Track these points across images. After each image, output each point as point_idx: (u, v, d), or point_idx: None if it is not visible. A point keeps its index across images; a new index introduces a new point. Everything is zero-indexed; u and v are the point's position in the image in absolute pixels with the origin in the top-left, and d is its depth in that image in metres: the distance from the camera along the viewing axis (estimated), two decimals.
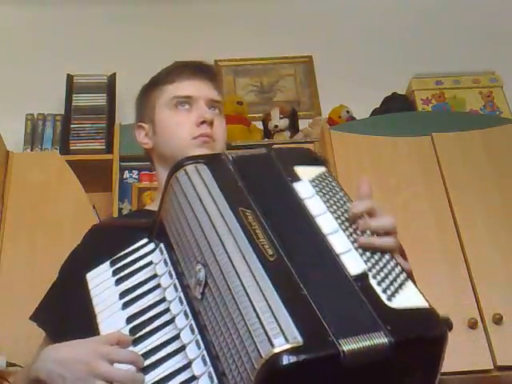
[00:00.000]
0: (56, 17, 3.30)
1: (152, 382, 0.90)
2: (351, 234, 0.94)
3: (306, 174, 1.04)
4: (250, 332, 0.78)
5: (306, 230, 0.95)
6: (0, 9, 3.26)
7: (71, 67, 2.98)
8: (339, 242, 0.92)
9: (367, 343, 0.79)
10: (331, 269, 0.89)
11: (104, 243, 1.22)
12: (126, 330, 0.97)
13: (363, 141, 2.55)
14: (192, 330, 0.91)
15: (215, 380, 0.84)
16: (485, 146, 2.59)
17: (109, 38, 3.24)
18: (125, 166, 2.72)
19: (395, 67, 3.20)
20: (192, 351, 0.89)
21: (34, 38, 3.22)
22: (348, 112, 3.00)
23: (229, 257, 0.87)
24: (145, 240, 1.10)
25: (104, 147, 2.76)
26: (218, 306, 0.85)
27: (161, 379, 0.89)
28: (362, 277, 0.88)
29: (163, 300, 0.99)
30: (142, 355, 0.93)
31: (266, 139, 2.94)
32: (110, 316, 1.01)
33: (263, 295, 0.81)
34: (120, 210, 2.57)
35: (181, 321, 0.94)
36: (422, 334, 0.82)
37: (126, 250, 1.10)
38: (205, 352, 0.88)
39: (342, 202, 1.00)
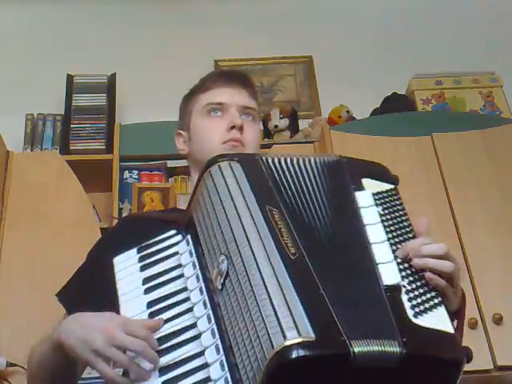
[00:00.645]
0: (56, 17, 3.30)
1: (166, 365, 0.92)
2: (397, 249, 0.99)
3: (372, 186, 1.10)
4: (264, 323, 0.81)
5: (350, 236, 0.99)
6: (0, 9, 3.26)
7: (71, 67, 2.98)
8: (383, 252, 0.97)
9: (378, 348, 0.81)
10: (363, 275, 0.93)
11: (134, 232, 1.25)
12: (145, 314, 1.01)
13: (363, 141, 2.55)
14: (209, 320, 0.94)
15: (226, 369, 0.87)
16: (485, 146, 2.59)
17: (109, 38, 3.24)
18: (125, 166, 2.72)
19: (395, 67, 3.20)
20: (207, 339, 0.92)
21: (34, 38, 3.22)
22: (348, 112, 3.00)
23: (252, 250, 0.90)
24: (173, 231, 1.13)
25: (104, 147, 2.77)
26: (237, 297, 0.89)
27: (174, 363, 0.92)
28: (394, 288, 0.92)
29: (184, 289, 1.02)
30: (159, 339, 0.96)
31: (266, 139, 2.94)
32: (132, 299, 1.04)
33: (281, 290, 0.84)
34: (120, 209, 2.58)
35: (199, 309, 0.97)
36: (437, 354, 0.85)
37: (154, 239, 1.13)
38: (219, 341, 0.91)
39: (399, 219, 1.05)
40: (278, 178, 1.06)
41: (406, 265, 0.97)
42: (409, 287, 0.93)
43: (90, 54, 3.15)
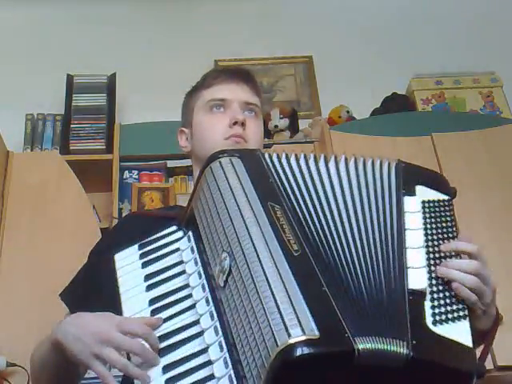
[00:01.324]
0: (56, 17, 3.30)
1: (168, 363, 0.92)
2: (434, 258, 0.99)
3: (425, 194, 1.10)
4: (268, 320, 0.80)
5: (385, 237, 0.99)
6: (0, 9, 3.26)
7: (71, 67, 2.98)
8: (417, 257, 0.98)
9: (382, 346, 0.81)
10: (388, 275, 0.93)
11: (135, 229, 1.25)
12: (147, 312, 1.00)
13: (363, 141, 2.55)
14: (212, 317, 0.94)
15: (230, 366, 0.87)
16: (485, 146, 2.59)
17: (109, 38, 3.24)
18: (125, 166, 2.72)
19: (395, 67, 3.20)
20: (210, 337, 0.92)
21: (34, 38, 3.22)
22: (348, 112, 3.00)
23: (254, 247, 0.90)
24: (174, 227, 1.13)
25: (104, 147, 2.77)
26: (240, 295, 0.88)
27: (177, 361, 0.92)
28: (419, 293, 0.92)
29: (186, 286, 1.01)
30: (161, 337, 0.96)
31: (266, 139, 2.94)
32: (134, 296, 1.04)
33: (284, 287, 0.83)
34: (120, 209, 2.58)
35: (202, 307, 0.96)
36: (445, 363, 0.84)
37: (155, 236, 1.13)
38: (222, 338, 0.90)
39: (444, 230, 1.05)
40: (280, 175, 1.06)
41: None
42: (435, 295, 0.93)
43: (90, 54, 3.15)
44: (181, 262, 1.05)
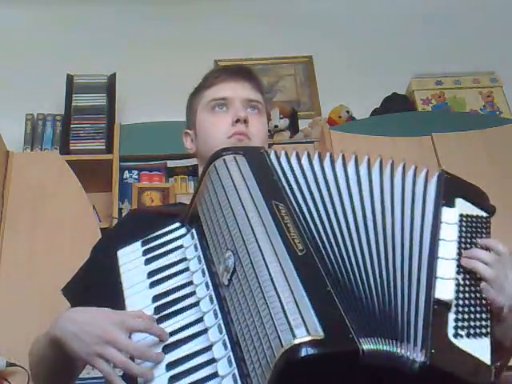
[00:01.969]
0: (56, 17, 3.30)
1: (172, 360, 0.92)
2: (464, 272, 0.99)
3: (464, 208, 1.11)
4: (273, 320, 0.80)
5: (414, 244, 0.99)
6: (0, 9, 3.26)
7: (71, 67, 2.98)
8: (447, 268, 0.97)
9: (387, 348, 0.82)
10: (414, 282, 0.93)
11: (138, 226, 1.25)
12: (150, 309, 0.99)
13: (363, 141, 2.55)
14: (215, 315, 0.93)
15: (234, 364, 0.86)
16: (485, 146, 2.59)
17: (109, 38, 3.24)
18: (125, 166, 2.72)
19: (395, 67, 3.20)
20: (214, 335, 0.91)
21: (34, 38, 3.22)
22: (348, 112, 3.00)
23: (259, 246, 0.89)
24: (177, 224, 1.12)
25: (104, 147, 2.77)
26: (244, 294, 0.87)
27: (181, 358, 0.91)
28: (444, 304, 0.92)
29: (190, 283, 1.01)
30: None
31: None
32: (137, 293, 1.03)
33: (289, 286, 0.83)
34: (120, 210, 2.58)
35: (205, 305, 0.96)
36: (461, 376, 0.84)
37: (158, 232, 1.12)
38: (226, 337, 0.90)
39: (478, 246, 1.05)
40: (286, 174, 1.05)
41: (468, 288, 0.97)
42: (461, 308, 0.93)
43: (90, 54, 3.15)
44: (184, 259, 1.05)
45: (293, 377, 0.78)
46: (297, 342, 0.76)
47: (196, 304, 0.97)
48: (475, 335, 0.91)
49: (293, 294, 0.82)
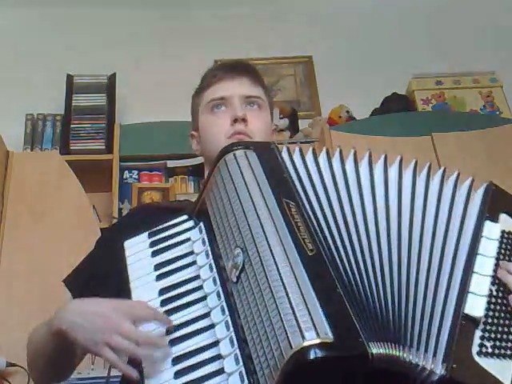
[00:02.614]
0: (56, 17, 3.30)
1: (178, 354, 0.91)
2: (498, 290, 0.97)
3: (507, 224, 1.07)
4: (282, 321, 0.79)
5: (448, 255, 0.97)
6: (0, 9, 3.26)
7: (71, 67, 2.98)
8: (481, 285, 0.96)
9: (396, 353, 0.81)
10: (443, 293, 0.92)
11: (144, 219, 1.24)
12: (157, 302, 0.99)
13: (363, 141, 2.54)
14: (223, 311, 0.93)
15: (241, 362, 0.86)
16: (485, 146, 2.59)
17: (109, 38, 3.24)
18: (125, 166, 2.72)
19: (395, 67, 3.20)
20: (221, 331, 0.90)
21: (34, 38, 3.22)
22: (348, 112, 3.00)
23: (269, 245, 0.88)
24: (185, 216, 1.11)
25: (104, 147, 2.77)
26: (253, 292, 0.87)
27: (187, 353, 0.91)
28: (472, 319, 0.91)
29: (197, 277, 1.00)
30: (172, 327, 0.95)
31: None
32: (143, 285, 1.03)
33: (299, 287, 0.82)
34: (120, 209, 2.58)
35: (213, 300, 0.95)
36: None
37: (165, 224, 1.11)
38: (233, 334, 0.89)
39: None
40: (298, 171, 1.04)
41: (499, 307, 0.95)
42: (488, 327, 0.92)
43: (90, 54, 3.15)
44: (191, 253, 1.04)
45: (300, 379, 0.78)
46: (306, 344, 0.76)
47: (203, 299, 0.96)
48: (499, 356, 0.90)
49: (302, 295, 0.81)
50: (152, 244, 1.09)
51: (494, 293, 0.96)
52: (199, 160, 2.50)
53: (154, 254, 1.07)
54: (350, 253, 0.92)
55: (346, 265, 0.90)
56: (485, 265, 0.98)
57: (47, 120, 2.88)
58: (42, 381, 1.23)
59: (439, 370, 0.83)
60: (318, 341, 0.76)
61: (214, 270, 0.98)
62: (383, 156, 1.12)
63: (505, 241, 1.04)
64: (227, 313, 0.92)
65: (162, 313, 0.96)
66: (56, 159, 2.61)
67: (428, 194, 1.06)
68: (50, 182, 2.50)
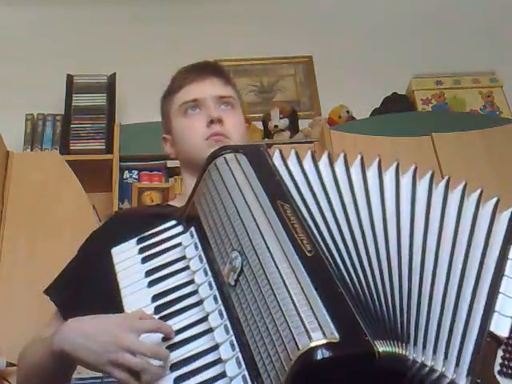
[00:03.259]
0: (56, 17, 3.30)
1: (178, 360, 0.90)
2: None
3: None
4: (287, 323, 0.79)
5: (478, 278, 0.97)
6: (0, 9, 3.26)
7: (71, 67, 2.98)
8: (506, 305, 0.95)
9: (401, 351, 0.82)
10: (465, 308, 0.92)
11: (129, 224, 1.22)
12: (150, 308, 0.97)
13: (363, 141, 2.55)
14: (221, 315, 0.92)
15: (243, 365, 0.85)
16: (485, 146, 2.59)
17: (109, 38, 3.24)
18: (125, 165, 2.72)
19: (395, 67, 3.20)
20: (220, 335, 0.90)
21: (34, 38, 3.22)
22: (348, 112, 3.00)
23: (267, 247, 0.88)
24: (173, 221, 1.10)
25: (104, 147, 2.77)
26: (253, 294, 0.86)
27: (187, 358, 0.90)
28: (496, 338, 0.91)
29: (191, 282, 0.99)
30: None
31: (266, 139, 2.94)
32: (135, 292, 1.01)
33: (301, 288, 0.82)
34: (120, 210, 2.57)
35: (209, 304, 0.94)
36: None
37: (154, 230, 1.09)
38: (233, 337, 0.88)
39: None
40: (292, 174, 1.03)
41: None
42: (510, 348, 0.92)
43: (90, 54, 3.15)
44: (183, 258, 1.03)
45: (307, 380, 0.77)
46: (313, 344, 0.76)
47: (198, 303, 0.95)
48: None
49: (305, 295, 0.81)
50: (141, 250, 1.07)
51: None
52: None
53: (144, 260, 1.05)
54: (354, 254, 0.91)
55: (349, 265, 0.89)
56: (511, 287, 0.98)
57: (47, 120, 2.88)
58: None
59: (463, 382, 0.83)
60: (324, 341, 0.76)
61: (209, 274, 0.97)
62: (377, 159, 1.12)
63: None
64: (226, 316, 0.91)
65: (165, 323, 0.94)
66: (56, 159, 2.61)
67: (445, 206, 1.07)
68: (50, 182, 2.50)
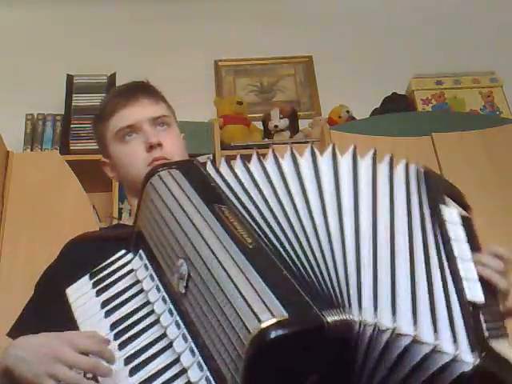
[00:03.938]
0: (56, 17, 3.30)
1: (143, 379, 0.90)
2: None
3: (451, 213, 1.06)
4: (236, 312, 0.80)
5: (427, 245, 0.96)
6: (0, 9, 3.26)
7: (71, 67, 2.98)
8: (468, 269, 0.96)
9: (349, 317, 0.81)
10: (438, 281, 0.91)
11: (81, 256, 1.23)
12: (110, 336, 0.98)
13: (363, 141, 2.54)
14: (178, 326, 0.93)
15: (205, 368, 0.86)
16: (485, 146, 2.59)
17: (109, 38, 3.24)
18: None
19: (395, 67, 3.20)
20: (179, 345, 0.91)
21: (34, 38, 3.22)
22: (348, 112, 3.00)
23: (209, 247, 0.90)
24: (122, 251, 1.11)
25: None
26: (204, 296, 0.87)
27: (151, 376, 0.90)
28: (475, 305, 0.91)
29: (147, 303, 1.00)
30: (130, 356, 0.94)
31: (266, 139, 2.94)
32: (93, 325, 1.01)
33: (246, 277, 0.83)
34: (120, 209, 2.58)
35: (166, 319, 0.95)
36: (505, 378, 0.85)
37: (105, 263, 1.11)
38: (192, 344, 0.89)
39: (474, 246, 1.02)
40: (225, 180, 1.04)
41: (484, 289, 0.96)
42: (487, 309, 0.92)
43: (90, 54, 3.15)
44: (137, 282, 1.04)
45: (264, 362, 0.78)
46: (263, 325, 0.76)
47: (156, 321, 0.96)
48: (497, 337, 0.91)
49: (250, 283, 0.82)
50: (95, 284, 1.08)
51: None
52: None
53: (99, 292, 1.06)
54: (294, 241, 0.92)
55: (290, 251, 0.90)
56: (462, 250, 0.99)
57: (47, 120, 2.88)
58: None
59: (470, 359, 0.82)
60: (274, 320, 0.77)
61: (162, 289, 0.99)
62: (309, 147, 1.11)
63: (465, 224, 1.04)
64: (182, 326, 0.92)
65: (107, 348, 0.93)
66: (56, 159, 2.61)
67: (376, 180, 1.06)
68: (50, 182, 2.50)
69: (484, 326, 0.90)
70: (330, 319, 0.79)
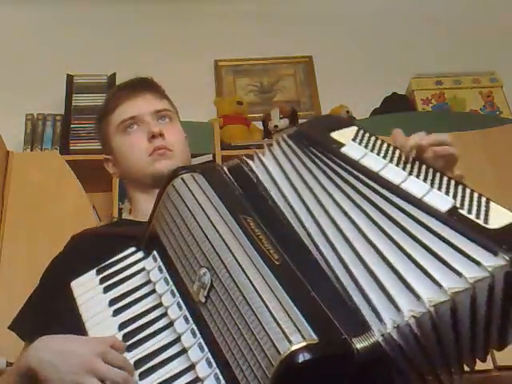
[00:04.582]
0: (56, 17, 3.30)
1: None
2: (423, 176, 0.96)
3: (344, 136, 1.06)
4: (265, 330, 0.79)
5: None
6: (0, 9, 3.26)
7: (71, 67, 2.98)
8: (416, 186, 0.93)
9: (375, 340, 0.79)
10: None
11: (87, 251, 1.22)
12: (118, 337, 0.97)
13: None
14: (194, 334, 0.91)
15: (222, 381, 0.84)
16: (485, 146, 2.59)
17: (109, 38, 3.24)
18: None
19: (395, 67, 3.20)
20: (195, 354, 0.89)
21: (34, 38, 3.22)
22: (348, 112, 3.00)
23: (236, 260, 0.88)
24: (132, 249, 1.10)
25: None
26: (227, 308, 0.86)
27: (162, 381, 0.89)
28: (454, 210, 0.88)
29: (159, 305, 0.98)
30: (140, 360, 0.93)
31: (266, 139, 2.94)
32: (100, 323, 1.00)
33: (275, 295, 0.82)
34: (120, 210, 2.58)
35: (181, 325, 0.93)
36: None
37: (113, 259, 1.09)
38: (209, 354, 0.88)
39: (390, 150, 1.03)
40: (249, 186, 1.03)
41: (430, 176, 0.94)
42: (458, 203, 0.89)
43: (90, 54, 3.15)
44: (148, 282, 1.02)
45: None
46: (294, 348, 0.75)
47: (168, 326, 0.95)
48: (486, 211, 0.88)
49: (279, 301, 0.81)
50: (102, 280, 1.06)
51: (428, 180, 0.96)
52: (198, 160, 2.50)
53: (107, 289, 1.05)
54: (319, 258, 0.90)
55: (316, 271, 0.88)
56: (394, 173, 0.97)
57: (47, 120, 2.88)
58: None
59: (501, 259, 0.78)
60: (304, 343, 0.76)
61: (177, 294, 0.97)
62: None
63: (364, 146, 1.04)
64: (198, 335, 0.90)
65: (128, 362, 0.92)
66: (56, 159, 2.61)
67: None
68: (50, 182, 2.49)
69: (473, 216, 0.86)
70: (359, 346, 0.78)
